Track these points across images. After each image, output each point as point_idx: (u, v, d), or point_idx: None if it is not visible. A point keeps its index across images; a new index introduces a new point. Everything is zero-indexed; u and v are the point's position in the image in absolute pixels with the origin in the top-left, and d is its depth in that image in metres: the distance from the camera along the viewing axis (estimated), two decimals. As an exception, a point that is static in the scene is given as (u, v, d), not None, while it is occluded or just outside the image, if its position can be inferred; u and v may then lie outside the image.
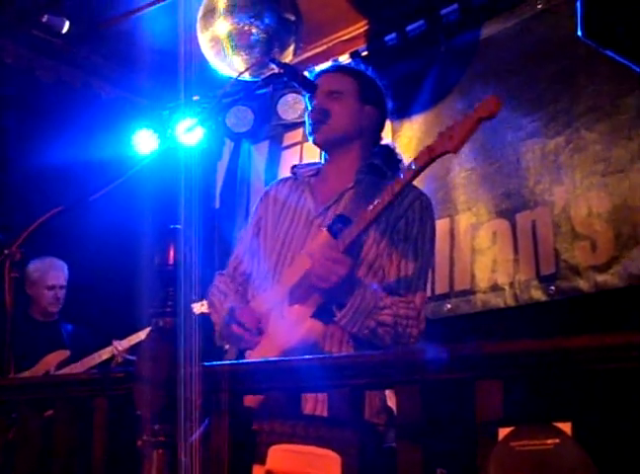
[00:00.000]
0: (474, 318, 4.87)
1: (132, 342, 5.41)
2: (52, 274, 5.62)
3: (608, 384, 1.78)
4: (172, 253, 2.06)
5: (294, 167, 3.28)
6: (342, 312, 2.78)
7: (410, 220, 2.96)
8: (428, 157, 2.67)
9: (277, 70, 3.03)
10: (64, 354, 5.45)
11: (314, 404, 2.74)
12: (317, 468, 1.95)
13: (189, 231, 2.15)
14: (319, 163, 3.25)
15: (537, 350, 1.80)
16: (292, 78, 2.98)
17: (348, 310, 2.78)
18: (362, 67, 3.25)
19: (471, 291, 4.90)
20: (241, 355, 2.98)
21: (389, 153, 3.16)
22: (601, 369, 1.75)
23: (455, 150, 2.61)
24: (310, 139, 3.14)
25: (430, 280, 4.89)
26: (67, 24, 5.49)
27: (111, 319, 5.84)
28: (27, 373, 5.13)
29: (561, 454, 1.68)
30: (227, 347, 3.15)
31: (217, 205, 6.49)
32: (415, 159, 2.71)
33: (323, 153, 3.20)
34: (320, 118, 3.06)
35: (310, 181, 3.17)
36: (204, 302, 3.28)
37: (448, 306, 4.95)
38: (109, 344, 5.48)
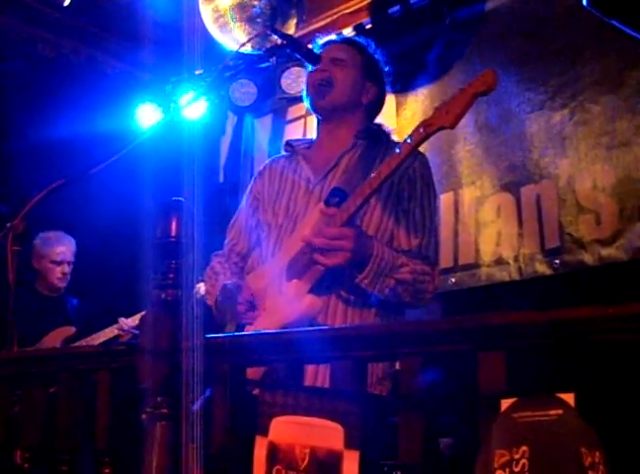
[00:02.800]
0: (479, 292, 4.87)
1: (137, 320, 5.40)
2: (61, 248, 5.62)
3: (612, 355, 1.77)
4: (174, 225, 2.05)
5: (287, 143, 3.29)
6: (363, 274, 2.80)
7: (412, 179, 2.97)
8: (424, 132, 2.67)
9: (279, 42, 3.01)
10: (70, 330, 5.45)
11: (314, 375, 2.75)
12: (320, 440, 1.95)
13: (192, 204, 2.15)
14: (312, 139, 3.26)
15: (540, 321, 1.79)
16: (295, 50, 2.97)
17: (369, 271, 2.80)
18: (371, 46, 3.25)
19: (476, 265, 4.90)
20: (240, 329, 2.99)
21: (383, 128, 3.18)
22: (605, 340, 1.74)
23: (452, 126, 2.62)
24: (307, 102, 3.15)
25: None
26: (70, -4, 5.48)
27: (116, 293, 5.85)
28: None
29: (564, 425, 1.68)
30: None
31: (221, 179, 6.48)
32: (411, 134, 2.71)
33: (317, 126, 3.21)
34: (324, 82, 3.06)
35: (304, 152, 3.18)
36: None
37: (453, 280, 4.95)
38: (114, 319, 5.49)
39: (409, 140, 2.71)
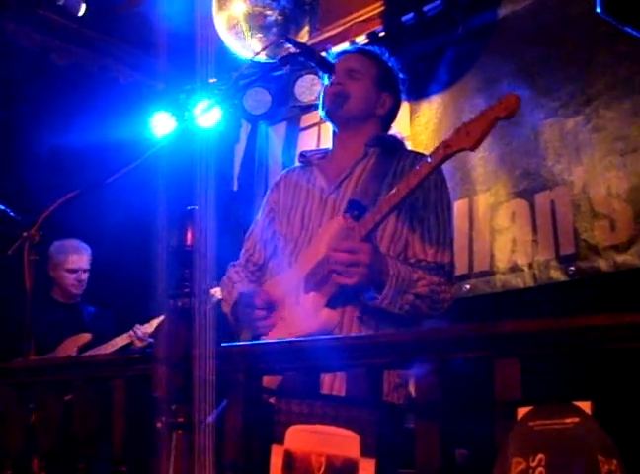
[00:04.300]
0: (494, 299, 4.85)
1: (154, 326, 5.40)
2: (75, 257, 5.62)
3: (628, 363, 1.77)
4: (189, 234, 2.06)
5: (302, 154, 3.31)
6: (382, 294, 2.79)
7: (426, 187, 2.96)
8: (444, 153, 2.66)
9: (293, 50, 3.02)
10: (86, 337, 5.46)
11: (331, 384, 2.75)
12: (336, 448, 1.95)
13: (206, 213, 2.15)
14: (327, 149, 3.28)
15: (556, 328, 1.79)
16: (309, 58, 2.97)
17: (388, 291, 2.79)
18: (385, 55, 3.26)
19: (490, 272, 4.89)
20: (257, 339, 3.00)
21: (395, 137, 3.20)
22: (621, 348, 1.73)
23: (473, 148, 2.61)
24: (322, 113, 3.17)
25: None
26: (84, 6, 5.49)
27: (132, 301, 5.85)
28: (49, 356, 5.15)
29: (580, 433, 1.68)
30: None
31: (235, 188, 6.49)
32: (431, 154, 2.70)
33: (332, 137, 3.23)
34: (339, 95, 3.08)
35: (318, 162, 3.19)
36: None
37: (467, 287, 4.94)
38: (130, 326, 5.50)
39: (429, 160, 2.70)
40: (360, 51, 3.31)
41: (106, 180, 3.01)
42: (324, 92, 3.17)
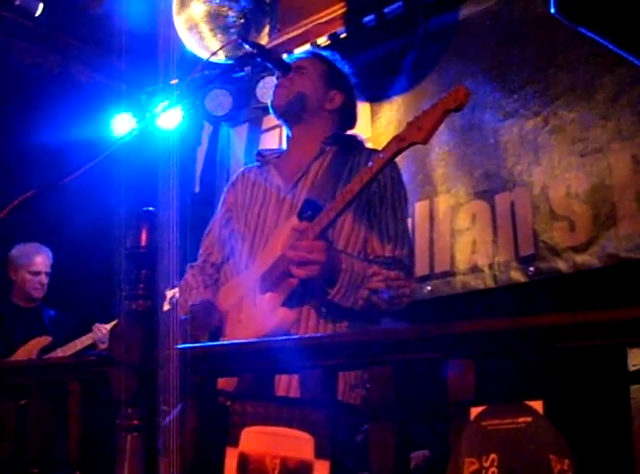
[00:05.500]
0: (454, 299, 4.86)
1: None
2: (37, 259, 5.62)
3: (580, 362, 1.78)
4: (144, 235, 2.05)
5: (259, 152, 3.31)
6: (334, 289, 2.80)
7: (382, 184, 2.98)
8: (396, 147, 2.68)
9: (252, 51, 3.02)
10: (46, 340, 5.44)
11: (287, 385, 2.74)
12: (290, 450, 1.95)
13: (168, 214, 2.15)
14: (282, 148, 3.29)
15: (508, 328, 1.80)
16: (265, 59, 2.98)
17: (340, 286, 2.79)
18: (335, 56, 3.27)
19: (451, 273, 4.89)
20: (214, 339, 2.99)
21: (353, 135, 3.20)
22: (573, 347, 1.74)
23: (424, 142, 2.62)
24: (272, 110, 3.17)
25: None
26: (41, 6, 5.45)
27: (92, 303, 5.82)
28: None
29: (533, 432, 1.68)
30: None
31: (197, 189, 6.46)
32: (384, 149, 2.71)
33: (287, 136, 3.23)
34: (299, 103, 3.09)
35: (275, 161, 3.20)
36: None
37: (428, 288, 4.94)
38: (89, 328, 5.47)
39: (381, 155, 2.71)
40: (308, 53, 3.34)
41: (63, 180, 2.98)
42: (274, 87, 3.17)
